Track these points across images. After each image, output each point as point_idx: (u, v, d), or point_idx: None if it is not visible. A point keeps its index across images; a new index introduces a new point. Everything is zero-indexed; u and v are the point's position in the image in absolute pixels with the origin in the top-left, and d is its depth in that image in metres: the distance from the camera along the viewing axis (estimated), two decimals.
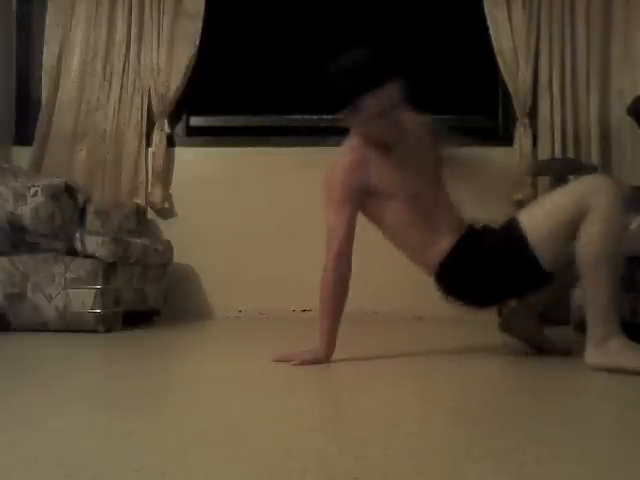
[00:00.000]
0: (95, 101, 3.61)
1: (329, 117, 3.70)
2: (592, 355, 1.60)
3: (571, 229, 1.63)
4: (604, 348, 1.58)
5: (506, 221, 1.79)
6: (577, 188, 1.66)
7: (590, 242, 1.59)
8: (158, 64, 3.59)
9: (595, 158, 3.39)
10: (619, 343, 1.57)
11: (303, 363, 1.68)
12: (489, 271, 1.78)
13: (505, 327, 1.99)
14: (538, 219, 1.71)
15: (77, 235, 2.56)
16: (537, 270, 1.71)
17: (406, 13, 3.82)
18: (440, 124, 1.96)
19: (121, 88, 3.62)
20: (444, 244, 1.81)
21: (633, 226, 2.17)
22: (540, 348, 1.96)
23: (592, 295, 1.61)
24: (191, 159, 3.68)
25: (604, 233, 1.57)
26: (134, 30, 3.62)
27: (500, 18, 3.49)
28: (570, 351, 1.90)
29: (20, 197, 2.55)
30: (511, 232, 1.74)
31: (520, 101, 3.47)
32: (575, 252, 1.63)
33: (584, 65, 3.46)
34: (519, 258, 1.72)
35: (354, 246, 1.78)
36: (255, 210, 3.63)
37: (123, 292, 2.69)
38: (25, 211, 2.53)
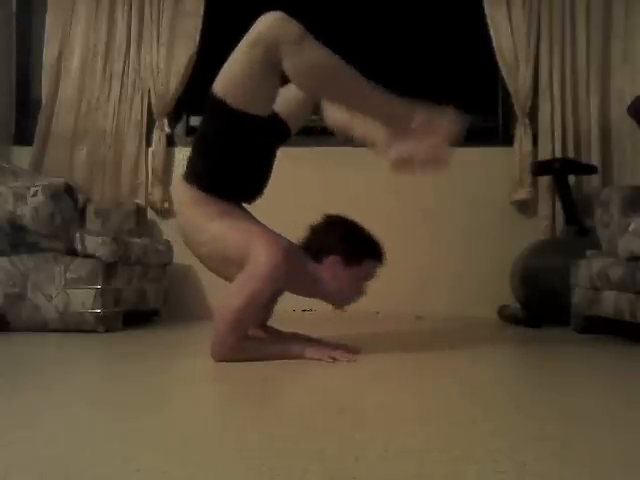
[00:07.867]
0: (95, 101, 3.61)
1: None
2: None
3: (264, 66, 1.65)
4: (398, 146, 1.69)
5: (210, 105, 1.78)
6: (254, 32, 1.69)
7: (305, 74, 1.60)
8: (158, 64, 3.59)
9: (595, 158, 3.39)
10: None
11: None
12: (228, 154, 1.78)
13: None
14: (229, 74, 1.73)
15: (77, 235, 2.56)
16: (258, 124, 1.72)
17: (407, 13, 3.82)
18: None
19: (121, 88, 3.62)
20: None
21: (633, 226, 2.17)
22: None
23: (351, 108, 1.71)
24: None
25: (308, 60, 1.58)
26: (134, 30, 3.63)
27: (500, 18, 3.49)
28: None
29: (20, 197, 2.55)
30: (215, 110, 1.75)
31: (520, 101, 3.47)
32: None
33: (584, 65, 3.46)
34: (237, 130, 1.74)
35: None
36: (254, 210, 3.61)
37: (123, 292, 2.69)
38: (25, 211, 2.53)
